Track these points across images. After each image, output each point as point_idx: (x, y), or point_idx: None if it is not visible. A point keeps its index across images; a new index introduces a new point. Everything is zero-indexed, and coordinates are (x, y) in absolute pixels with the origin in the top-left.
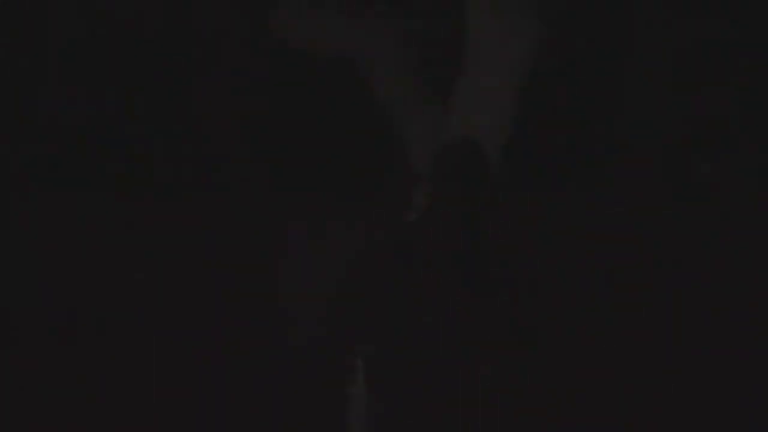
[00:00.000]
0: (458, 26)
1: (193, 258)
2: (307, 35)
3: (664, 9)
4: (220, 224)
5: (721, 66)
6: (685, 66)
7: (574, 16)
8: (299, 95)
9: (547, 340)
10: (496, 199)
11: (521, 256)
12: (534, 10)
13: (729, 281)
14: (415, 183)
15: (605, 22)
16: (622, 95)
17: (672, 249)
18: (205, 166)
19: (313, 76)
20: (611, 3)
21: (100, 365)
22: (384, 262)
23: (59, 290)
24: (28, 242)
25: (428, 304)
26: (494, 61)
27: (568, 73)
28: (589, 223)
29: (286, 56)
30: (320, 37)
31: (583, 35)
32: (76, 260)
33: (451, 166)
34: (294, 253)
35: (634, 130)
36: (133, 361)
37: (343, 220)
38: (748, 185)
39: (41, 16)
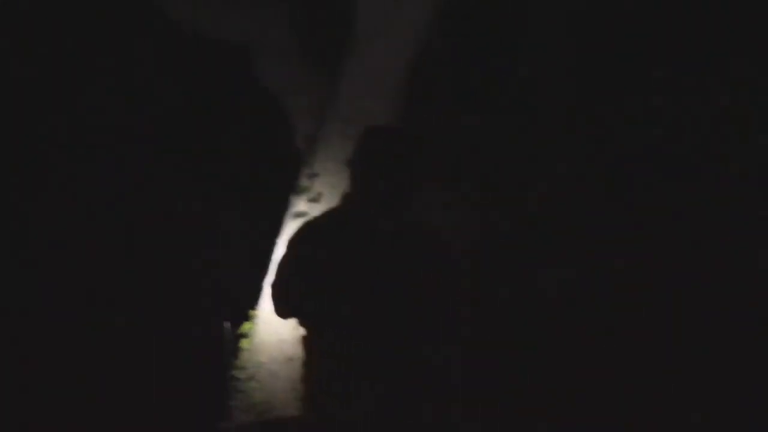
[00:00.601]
0: (347, 8)
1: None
2: (198, 21)
3: None
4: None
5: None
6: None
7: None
8: (191, 79)
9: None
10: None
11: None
12: None
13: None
14: (302, 165)
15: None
16: (516, 82)
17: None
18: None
19: (203, 61)
20: None
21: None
22: (311, 249)
23: None
24: None
25: (361, 291)
26: (383, 42)
27: (457, 52)
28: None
29: (180, 42)
30: (211, 22)
31: (472, 15)
32: None
33: (375, 150)
34: (188, 233)
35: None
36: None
37: (236, 203)
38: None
39: None
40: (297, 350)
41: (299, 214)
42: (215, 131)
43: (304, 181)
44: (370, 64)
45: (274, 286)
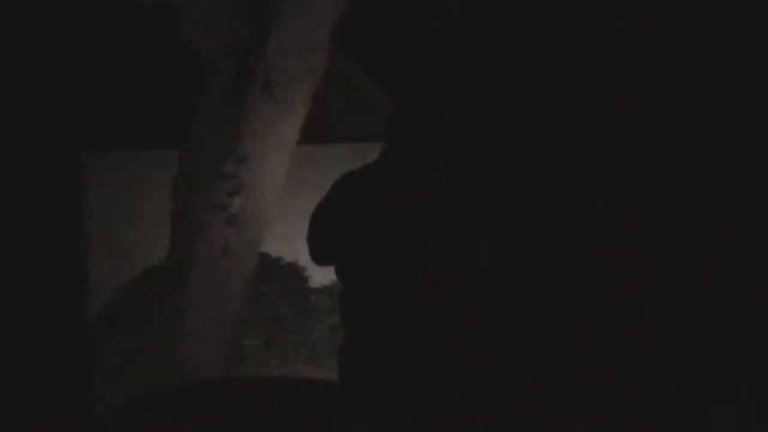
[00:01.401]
0: None
1: None
2: None
3: None
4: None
5: None
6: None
7: None
8: (116, 43)
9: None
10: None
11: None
12: None
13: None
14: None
15: None
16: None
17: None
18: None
19: (127, 24)
20: None
21: None
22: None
23: None
24: None
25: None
26: (306, 5)
27: (382, 14)
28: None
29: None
30: None
31: None
32: None
33: (406, 126)
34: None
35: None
36: None
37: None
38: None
39: None
40: (224, 312)
41: (226, 176)
42: (140, 94)
43: (231, 142)
44: (294, 26)
45: (312, 230)
